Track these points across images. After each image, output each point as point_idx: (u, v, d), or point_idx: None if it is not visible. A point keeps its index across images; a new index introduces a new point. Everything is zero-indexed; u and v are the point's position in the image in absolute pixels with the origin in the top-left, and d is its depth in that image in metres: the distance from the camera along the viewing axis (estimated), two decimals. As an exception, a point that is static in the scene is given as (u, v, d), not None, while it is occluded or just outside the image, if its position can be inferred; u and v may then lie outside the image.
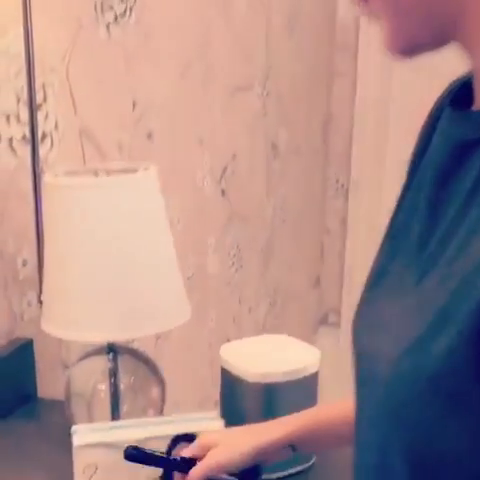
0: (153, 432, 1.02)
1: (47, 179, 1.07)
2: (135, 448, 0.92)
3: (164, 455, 0.94)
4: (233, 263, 2.28)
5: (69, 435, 1.02)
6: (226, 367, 1.08)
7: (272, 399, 1.04)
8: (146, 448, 0.93)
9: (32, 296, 1.33)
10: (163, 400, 1.19)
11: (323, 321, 3.33)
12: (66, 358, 1.43)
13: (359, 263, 3.33)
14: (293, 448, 0.92)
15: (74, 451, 1.00)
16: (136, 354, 1.19)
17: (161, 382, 1.18)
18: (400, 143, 3.27)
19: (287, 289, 2.84)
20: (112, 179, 1.07)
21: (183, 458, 0.92)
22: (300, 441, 0.92)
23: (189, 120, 1.89)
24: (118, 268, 1.05)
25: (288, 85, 2.59)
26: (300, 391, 1.06)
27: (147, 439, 1.01)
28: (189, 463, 0.91)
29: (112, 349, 1.16)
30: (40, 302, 1.16)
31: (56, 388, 1.38)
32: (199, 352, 2.13)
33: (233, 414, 1.06)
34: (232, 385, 1.07)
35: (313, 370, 1.07)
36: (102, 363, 1.15)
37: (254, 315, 2.51)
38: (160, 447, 1.01)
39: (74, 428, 1.04)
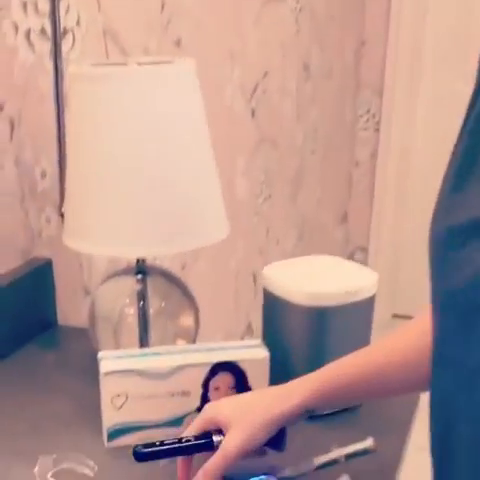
0: (188, 359, 0.90)
1: (72, 69, 0.93)
2: (143, 447, 0.81)
3: (176, 441, 0.82)
4: (261, 191, 2.14)
5: (93, 364, 0.91)
6: (270, 289, 0.95)
7: (323, 324, 0.92)
8: (155, 441, 0.82)
9: (51, 212, 1.20)
10: (197, 328, 1.07)
11: (349, 259, 3.21)
12: (88, 282, 1.31)
13: (389, 199, 3.18)
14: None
15: (101, 379, 0.89)
16: (167, 276, 1.06)
17: (194, 308, 1.06)
18: (435, 73, 3.10)
19: (315, 223, 2.71)
20: (146, 68, 0.92)
21: (197, 438, 0.81)
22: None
23: (219, 30, 1.73)
24: (151, 174, 0.92)
25: (322, 2, 2.41)
26: (354, 317, 0.93)
27: (181, 367, 0.89)
28: (206, 438, 0.81)
29: (141, 269, 1.03)
30: (61, 215, 1.03)
31: (77, 315, 1.26)
32: (225, 284, 2.01)
33: (277, 342, 0.94)
34: (277, 309, 0.94)
35: (370, 293, 0.94)
36: (130, 285, 1.03)
37: (281, 248, 2.38)
38: (196, 376, 0.89)
39: (101, 354, 0.92)
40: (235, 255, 2.04)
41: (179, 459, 0.83)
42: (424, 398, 0.72)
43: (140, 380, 0.88)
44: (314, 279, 0.95)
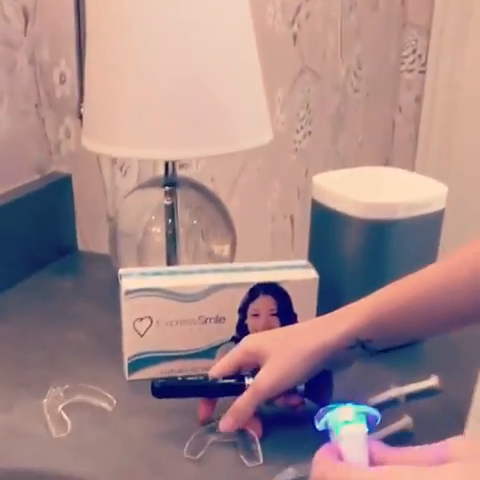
0: (224, 279, 0.77)
1: None
2: (163, 381, 0.70)
3: (201, 379, 0.70)
4: (302, 127, 1.99)
5: (115, 293, 0.78)
6: (321, 201, 0.81)
7: (383, 241, 0.78)
8: (177, 377, 0.73)
9: (71, 124, 1.07)
10: (233, 251, 0.93)
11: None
12: (111, 204, 1.18)
13: (433, 149, 3.01)
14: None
15: (122, 300, 0.76)
16: (200, 189, 0.92)
17: (231, 227, 0.92)
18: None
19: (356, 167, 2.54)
20: None
21: (227, 378, 0.69)
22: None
23: None
24: (185, 65, 0.77)
25: None
26: (419, 233, 0.79)
27: (216, 288, 0.76)
28: (238, 380, 0.69)
29: (170, 181, 0.90)
30: (80, 117, 0.90)
31: (100, 240, 1.14)
32: (260, 226, 1.88)
33: (327, 263, 0.80)
34: (328, 224, 0.80)
35: (438, 207, 0.80)
36: (157, 199, 0.90)
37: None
38: (233, 299, 0.76)
39: (122, 271, 0.79)
40: (271, 196, 1.90)
41: (202, 401, 0.71)
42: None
43: (167, 302, 0.75)
44: (373, 189, 0.81)
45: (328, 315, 0.68)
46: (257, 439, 0.68)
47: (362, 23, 2.30)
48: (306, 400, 0.71)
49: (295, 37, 1.81)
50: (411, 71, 2.93)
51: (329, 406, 0.49)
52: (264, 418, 0.71)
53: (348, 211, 0.77)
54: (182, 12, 0.77)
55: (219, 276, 0.77)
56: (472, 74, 2.97)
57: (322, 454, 0.47)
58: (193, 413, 0.72)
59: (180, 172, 0.91)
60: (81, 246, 1.12)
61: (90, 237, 1.13)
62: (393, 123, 2.97)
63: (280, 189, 1.93)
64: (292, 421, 0.71)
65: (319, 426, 0.50)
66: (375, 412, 0.49)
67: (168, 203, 0.89)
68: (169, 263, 0.89)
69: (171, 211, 0.88)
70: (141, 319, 0.76)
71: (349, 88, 2.33)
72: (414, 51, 2.91)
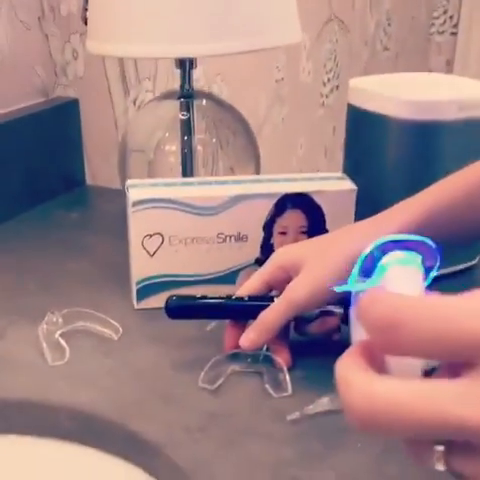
0: (247, 189, 0.67)
1: None
2: (180, 299, 0.60)
3: (224, 297, 0.59)
4: (329, 80, 1.88)
5: (124, 226, 0.68)
6: (359, 104, 0.70)
7: (431, 146, 0.67)
8: (195, 295, 0.60)
9: (79, 45, 0.97)
10: (257, 170, 0.83)
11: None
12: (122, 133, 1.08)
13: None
14: None
15: (129, 213, 0.66)
16: (220, 103, 0.82)
17: (254, 147, 0.82)
18: None
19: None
20: None
21: (252, 299, 0.59)
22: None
23: None
24: None
25: None
26: (473, 137, 0.68)
27: (237, 199, 0.65)
28: (266, 300, 0.58)
29: (187, 93, 0.79)
30: (84, 22, 0.80)
31: (110, 173, 1.04)
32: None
33: (365, 173, 0.70)
34: (367, 129, 0.70)
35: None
36: (172, 114, 0.80)
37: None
38: (257, 214, 0.66)
39: (130, 182, 0.69)
40: (296, 152, 1.79)
41: (229, 325, 0.60)
42: None
43: (181, 216, 0.65)
44: (418, 89, 0.70)
45: (372, 218, 0.57)
46: (285, 368, 0.58)
47: (392, -24, 2.18)
48: (343, 327, 0.61)
49: (322, -21, 1.70)
50: (442, 33, 2.80)
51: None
52: (294, 347, 0.61)
53: (391, 112, 0.66)
54: None
55: (241, 187, 0.67)
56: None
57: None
58: (211, 343, 0.62)
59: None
60: (90, 181, 1.02)
61: (100, 172, 1.03)
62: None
63: (306, 146, 1.82)
64: (326, 350, 0.61)
65: (346, 285, 0.36)
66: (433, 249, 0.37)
67: (184, 117, 0.79)
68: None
69: (187, 126, 0.78)
70: (151, 236, 0.66)
71: (378, 45, 2.21)
72: (445, 12, 2.78)
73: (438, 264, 0.36)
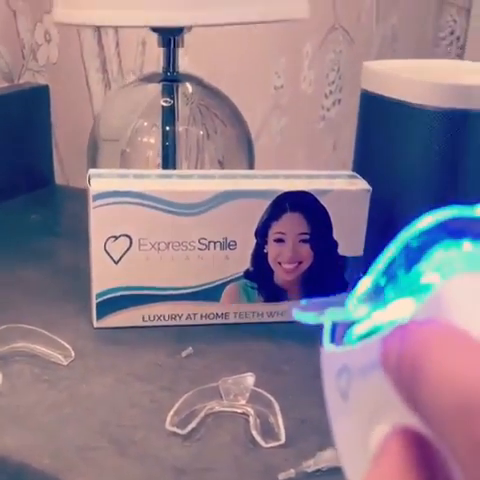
0: (237, 185, 0.54)
1: None
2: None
3: None
4: (331, 92, 1.76)
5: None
6: (375, 89, 0.58)
7: (461, 139, 0.55)
8: None
9: (52, 26, 0.85)
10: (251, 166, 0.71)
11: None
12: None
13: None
14: None
15: (90, 209, 0.53)
16: (209, 87, 0.70)
17: (247, 138, 0.69)
18: None
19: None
20: None
21: None
22: None
23: None
24: None
25: None
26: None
27: (224, 196, 0.53)
28: None
29: (170, 76, 0.67)
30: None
31: (83, 173, 0.91)
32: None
33: (381, 170, 0.57)
34: (385, 119, 0.57)
35: None
36: (151, 98, 0.67)
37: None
38: (247, 215, 0.53)
39: (94, 171, 0.56)
40: (295, 166, 1.67)
41: None
42: None
43: (154, 214, 0.52)
44: (446, 74, 0.58)
45: None
46: (278, 408, 0.45)
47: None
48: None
49: (328, -16, 1.59)
50: (448, 54, 2.70)
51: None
52: (289, 380, 0.48)
53: (416, 99, 0.54)
54: None
55: (230, 182, 0.54)
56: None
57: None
58: (186, 373, 0.50)
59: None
60: (61, 180, 0.90)
61: (72, 170, 0.91)
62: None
63: (304, 160, 1.71)
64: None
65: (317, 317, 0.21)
66: None
67: (166, 104, 0.66)
68: (164, 183, 0.66)
69: (170, 114, 0.66)
70: (116, 238, 0.53)
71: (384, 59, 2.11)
72: (452, 33, 2.68)
73: None
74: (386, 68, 0.59)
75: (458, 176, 0.54)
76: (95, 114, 0.94)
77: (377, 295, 0.20)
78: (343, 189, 0.54)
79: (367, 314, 0.20)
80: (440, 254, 0.19)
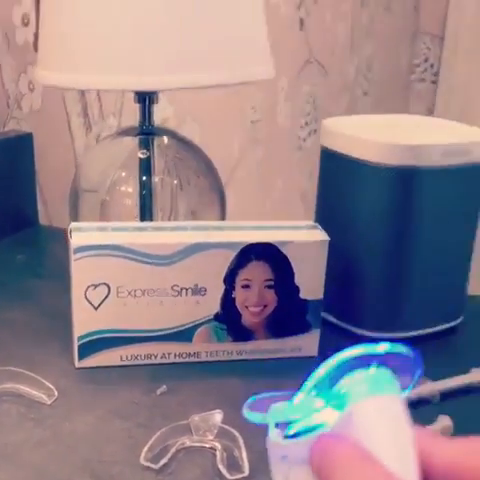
0: (206, 237, 0.59)
1: None
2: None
3: None
4: (306, 123, 1.83)
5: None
6: (332, 146, 0.64)
7: (413, 195, 0.60)
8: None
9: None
10: (222, 218, 0.76)
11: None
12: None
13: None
14: None
15: (71, 260, 0.58)
16: (183, 140, 0.75)
17: (219, 189, 0.75)
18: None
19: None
20: None
21: None
22: None
23: None
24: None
25: None
26: (458, 185, 0.62)
27: (195, 248, 0.58)
28: None
29: (147, 129, 0.73)
30: (35, 49, 0.73)
31: (66, 213, 0.96)
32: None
33: (339, 222, 0.63)
34: (342, 175, 0.63)
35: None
36: (129, 152, 0.73)
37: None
38: (217, 265, 0.58)
39: (74, 224, 0.61)
40: (271, 195, 1.73)
41: None
42: None
43: (130, 265, 0.58)
44: (399, 132, 0.64)
45: None
46: (242, 442, 0.50)
47: (374, 23, 2.16)
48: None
49: (302, 22, 1.65)
50: (422, 81, 2.78)
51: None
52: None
53: (367, 156, 0.60)
54: None
55: (199, 234, 0.60)
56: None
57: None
58: (160, 410, 0.55)
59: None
60: (45, 222, 0.94)
61: (56, 212, 0.96)
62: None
63: (281, 190, 1.76)
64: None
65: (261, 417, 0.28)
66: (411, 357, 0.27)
67: (143, 156, 0.71)
68: (141, 229, 0.71)
69: (146, 166, 0.71)
70: (95, 286, 0.58)
71: (358, 90, 2.17)
72: (426, 60, 2.76)
73: (418, 376, 0.27)
74: (343, 126, 0.65)
75: (410, 227, 0.60)
76: (77, 158, 0.99)
77: (310, 403, 0.27)
78: (303, 241, 0.59)
79: (303, 415, 0.27)
80: (354, 376, 0.26)
